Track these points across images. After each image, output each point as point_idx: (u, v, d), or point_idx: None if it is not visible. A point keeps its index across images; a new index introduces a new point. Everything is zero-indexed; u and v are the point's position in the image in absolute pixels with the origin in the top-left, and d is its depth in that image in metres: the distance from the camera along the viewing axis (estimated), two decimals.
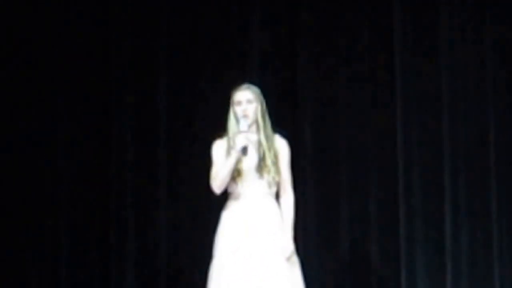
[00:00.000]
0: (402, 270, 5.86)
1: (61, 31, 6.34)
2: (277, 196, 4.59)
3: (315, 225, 5.98)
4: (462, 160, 5.92)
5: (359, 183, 6.02)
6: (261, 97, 4.57)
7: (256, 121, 4.51)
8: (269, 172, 4.49)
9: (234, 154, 4.42)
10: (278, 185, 4.55)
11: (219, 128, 4.63)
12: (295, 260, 4.51)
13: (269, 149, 4.50)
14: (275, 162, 4.51)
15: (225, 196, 4.58)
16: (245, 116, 4.48)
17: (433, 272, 5.87)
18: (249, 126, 4.48)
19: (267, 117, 4.55)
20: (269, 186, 4.52)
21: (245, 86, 4.59)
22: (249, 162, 4.48)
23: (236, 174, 4.48)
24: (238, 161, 4.46)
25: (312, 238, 5.93)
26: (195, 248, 5.86)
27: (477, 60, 5.96)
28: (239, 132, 4.45)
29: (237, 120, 4.49)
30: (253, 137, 4.48)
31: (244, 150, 4.42)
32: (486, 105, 5.91)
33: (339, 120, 6.08)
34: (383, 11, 6.07)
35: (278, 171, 4.51)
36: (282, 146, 4.56)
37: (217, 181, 4.48)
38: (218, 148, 4.54)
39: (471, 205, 5.89)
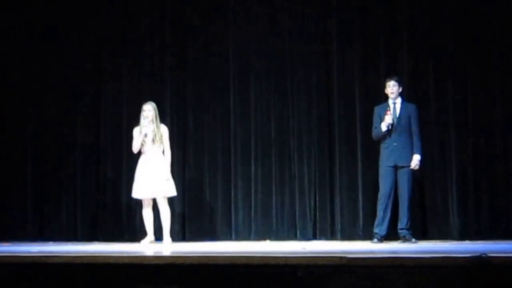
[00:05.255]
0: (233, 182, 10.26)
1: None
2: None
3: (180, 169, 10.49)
4: None
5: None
6: (156, 108, 9.49)
7: (153, 120, 9.46)
8: (157, 142, 9.46)
9: (142, 136, 9.38)
10: (162, 147, 9.53)
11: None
12: (172, 182, 9.51)
13: (158, 132, 9.45)
14: (161, 138, 9.44)
15: (139, 153, 9.57)
16: (147, 118, 9.45)
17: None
18: (149, 122, 9.43)
19: (158, 118, 9.47)
20: (158, 147, 9.49)
21: (148, 102, 9.49)
22: (149, 138, 9.44)
23: (143, 143, 9.48)
24: (144, 138, 9.43)
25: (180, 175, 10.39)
26: (125, 184, 10.42)
27: None
28: (144, 126, 9.41)
29: (144, 119, 9.45)
30: (151, 128, 9.41)
31: (146, 135, 9.39)
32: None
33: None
34: None
35: (162, 141, 9.47)
36: (164, 130, 9.52)
37: (135, 148, 9.49)
38: (136, 131, 9.54)
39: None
